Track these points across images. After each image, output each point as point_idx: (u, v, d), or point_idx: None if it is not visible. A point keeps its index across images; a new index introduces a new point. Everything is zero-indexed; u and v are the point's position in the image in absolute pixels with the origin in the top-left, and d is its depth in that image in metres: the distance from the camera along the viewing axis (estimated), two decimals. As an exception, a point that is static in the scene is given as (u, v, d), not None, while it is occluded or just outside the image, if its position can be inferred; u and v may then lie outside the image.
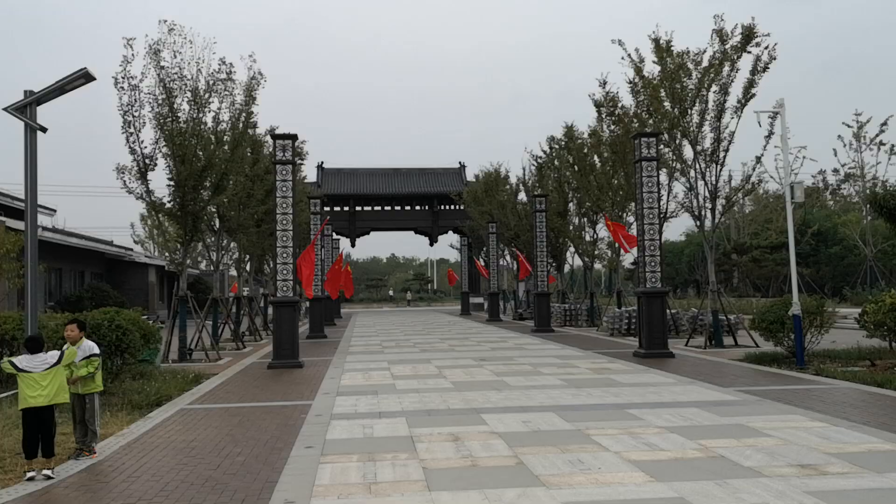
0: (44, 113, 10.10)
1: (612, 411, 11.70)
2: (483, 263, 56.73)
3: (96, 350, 9.50)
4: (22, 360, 8.67)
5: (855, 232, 51.61)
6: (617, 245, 30.38)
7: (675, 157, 23.55)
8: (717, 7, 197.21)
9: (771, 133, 21.61)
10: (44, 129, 9.88)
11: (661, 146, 22.68)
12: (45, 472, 8.45)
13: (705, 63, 22.45)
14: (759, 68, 21.86)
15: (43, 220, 42.90)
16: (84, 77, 9.89)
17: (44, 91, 9.88)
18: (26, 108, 9.85)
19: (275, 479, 8.14)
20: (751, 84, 21.97)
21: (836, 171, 63.30)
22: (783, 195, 20.13)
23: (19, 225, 28.85)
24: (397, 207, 73.31)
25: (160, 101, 20.94)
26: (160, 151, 21.05)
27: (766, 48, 21.82)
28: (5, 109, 9.84)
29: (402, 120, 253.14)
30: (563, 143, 36.83)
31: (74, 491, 7.96)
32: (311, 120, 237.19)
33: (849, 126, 50.86)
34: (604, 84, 28.67)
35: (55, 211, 47.54)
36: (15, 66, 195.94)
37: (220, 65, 22.22)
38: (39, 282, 8.37)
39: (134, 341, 15.24)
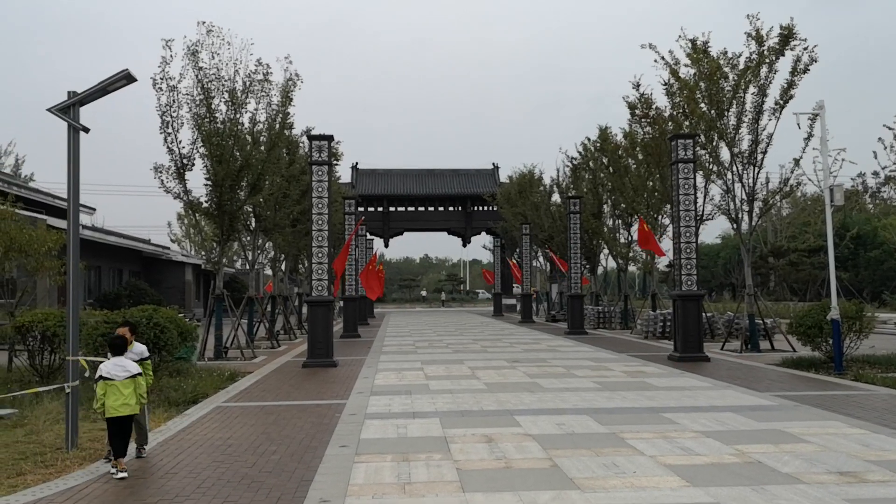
0: (85, 113, 10.26)
1: (646, 415, 11.62)
2: (516, 265, 56.60)
3: (146, 353, 9.45)
4: (106, 366, 8.60)
5: (895, 235, 50.68)
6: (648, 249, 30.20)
7: (711, 160, 23.33)
8: (750, 7, 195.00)
9: (810, 135, 21.31)
10: (86, 130, 10.04)
11: (698, 148, 22.49)
12: (121, 473, 8.40)
13: (742, 65, 22.22)
14: (798, 69, 21.56)
15: (83, 218, 43.64)
16: (125, 78, 10.03)
17: (87, 92, 10.03)
18: (69, 108, 10.01)
19: (310, 477, 8.19)
20: (790, 86, 21.68)
21: (875, 173, 62.29)
22: (821, 198, 19.78)
23: (60, 223, 29.34)
24: (430, 208, 73.42)
25: (198, 102, 21.17)
26: (197, 151, 21.29)
27: (807, 49, 21.53)
28: (49, 110, 10.01)
29: (437, 122, 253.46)
30: (597, 144, 36.66)
31: (114, 486, 8.08)
32: (346, 119, 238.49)
33: (890, 128, 49.99)
34: (637, 86, 28.50)
35: (94, 210, 48.33)
36: (49, 65, 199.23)
37: (256, 66, 22.43)
38: (80, 280, 8.47)
39: (171, 339, 15.43)
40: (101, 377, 8.55)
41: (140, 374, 8.76)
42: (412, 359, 21.35)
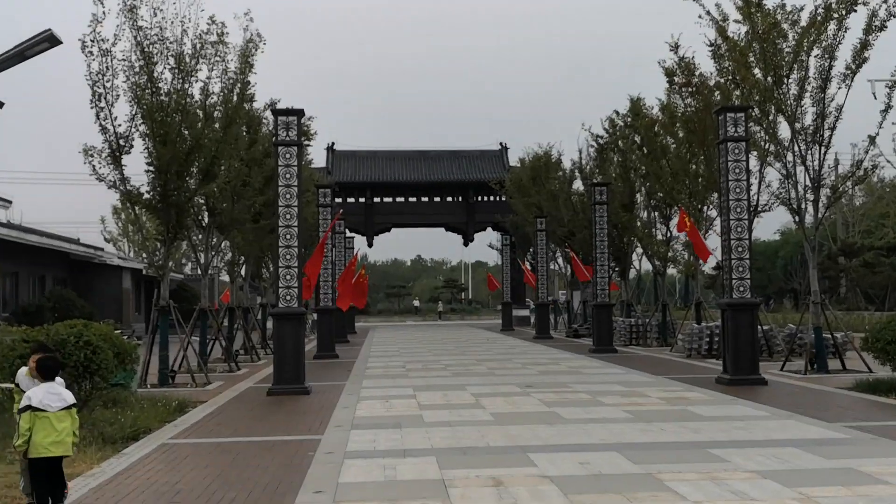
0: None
1: (690, 451, 11.64)
2: (529, 268, 56.68)
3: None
4: (36, 393, 8.38)
5: None
6: (691, 246, 30.21)
7: (768, 137, 23.37)
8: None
9: (889, 107, 21.34)
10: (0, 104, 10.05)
11: (751, 123, 22.52)
12: None
13: (804, 22, 22.23)
14: (874, 27, 21.56)
15: (-4, 213, 43.63)
16: (48, 40, 10.05)
17: (1, 57, 10.04)
18: (-21, 78, 10.01)
19: (277, 530, 8.20)
20: (863, 46, 21.67)
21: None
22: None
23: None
24: (424, 199, 73.53)
25: (137, 69, 21.17)
26: (137, 130, 21.30)
27: (885, 2, 21.52)
28: (-46, 81, 10.01)
29: (432, 94, 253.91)
30: (628, 119, 36.70)
31: (36, 542, 8.07)
32: (321, 91, 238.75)
33: None
34: (676, 47, 28.53)
35: (10, 202, 48.33)
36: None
37: (209, 25, 22.43)
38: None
39: (106, 361, 15.42)
40: (28, 407, 8.35)
41: (76, 404, 8.74)
42: (402, 384, 21.35)
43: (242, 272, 34.13)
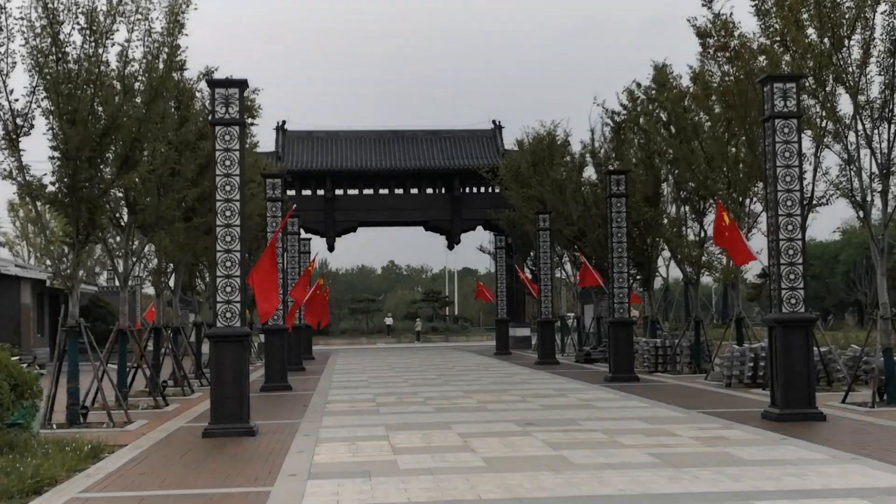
0: None
1: (730, 504, 11.65)
2: (530, 276, 56.68)
3: None
4: None
5: None
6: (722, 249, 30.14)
7: (825, 113, 23.41)
8: None
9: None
10: None
11: (804, 96, 22.58)
12: None
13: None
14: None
15: None
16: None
17: None
18: None
19: None
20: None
21: None
22: None
23: None
24: (398, 190, 73.61)
25: (38, 31, 21.04)
26: (38, 106, 21.15)
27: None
28: None
29: (407, 61, 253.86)
30: (651, 91, 36.75)
31: None
32: (270, 60, 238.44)
33: None
34: (710, 2, 28.59)
35: None
36: None
37: (129, -27, 22.33)
38: None
39: (1, 395, 15.31)
40: None
41: None
42: (372, 422, 21.27)
43: (171, 283, 33.95)
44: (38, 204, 22.46)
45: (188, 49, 25.49)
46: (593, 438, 17.79)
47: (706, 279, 42.92)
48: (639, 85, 38.26)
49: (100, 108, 21.79)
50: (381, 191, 73.45)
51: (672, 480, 13.31)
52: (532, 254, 58.33)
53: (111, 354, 25.10)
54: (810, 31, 22.91)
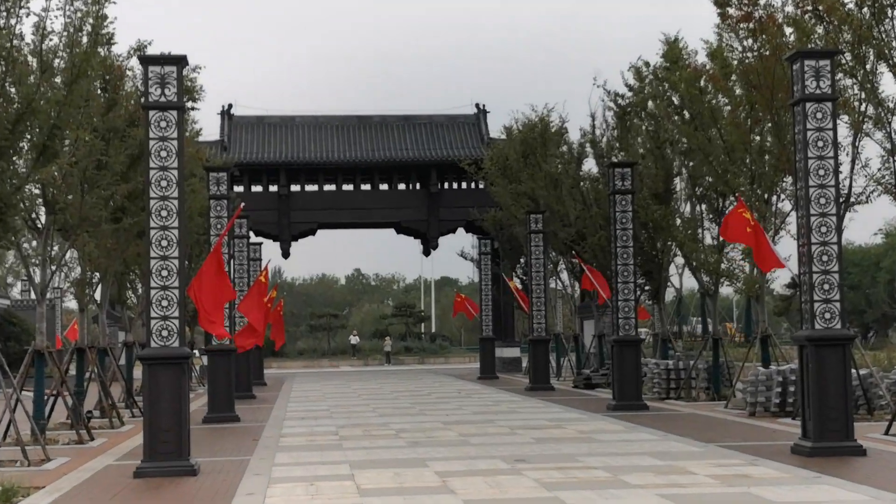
0: None
1: (754, 554, 11.65)
2: (520, 286, 56.64)
3: None
4: None
5: None
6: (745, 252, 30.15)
7: (864, 95, 23.49)
8: None
9: None
10: None
11: (840, 75, 22.64)
12: None
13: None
14: None
15: None
16: None
17: None
18: None
19: None
20: None
21: None
22: None
23: None
24: (365, 186, 73.46)
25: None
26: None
27: None
28: None
29: (377, 35, 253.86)
30: (661, 70, 36.78)
31: None
32: (214, 34, 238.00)
33: None
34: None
35: None
36: None
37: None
38: None
39: None
40: None
41: None
42: (334, 458, 21.24)
43: (97, 296, 33.80)
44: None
45: (117, 20, 25.43)
46: (594, 477, 17.76)
47: (726, 290, 42.93)
48: (646, 64, 38.33)
49: (12, 90, 21.71)
50: (345, 187, 73.20)
51: (687, 526, 13.33)
52: (522, 260, 58.26)
53: (26, 380, 24.95)
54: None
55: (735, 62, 30.34)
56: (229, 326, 33.44)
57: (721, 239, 35.22)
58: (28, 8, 22.00)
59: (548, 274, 49.80)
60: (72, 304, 41.68)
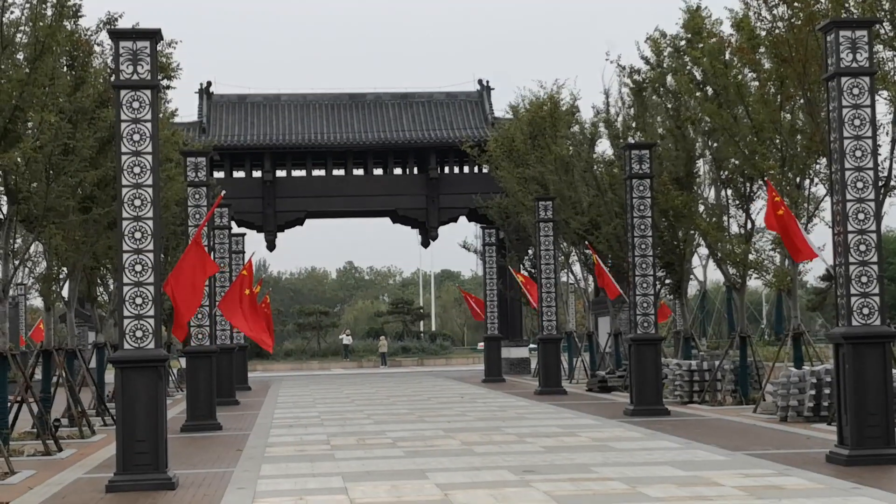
0: None
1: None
2: (528, 279, 56.59)
3: None
4: None
5: None
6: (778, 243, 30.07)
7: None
8: None
9: None
10: None
11: (879, 46, 22.61)
12: None
13: None
14: None
15: None
16: None
17: None
18: None
19: None
20: None
21: None
22: None
23: None
24: (358, 171, 73.45)
25: None
26: None
27: None
28: None
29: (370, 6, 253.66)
30: (682, 43, 36.72)
31: None
32: (192, 5, 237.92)
33: None
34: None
35: None
36: None
37: None
38: None
39: None
40: None
41: None
42: (326, 470, 21.24)
43: (65, 293, 33.79)
44: None
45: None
46: (610, 489, 17.74)
47: (754, 283, 42.83)
48: (663, 35, 38.19)
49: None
50: (336, 172, 73.18)
51: (713, 543, 13.33)
52: (531, 252, 58.29)
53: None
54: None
55: (764, 33, 30.30)
56: (206, 328, 33.43)
57: (749, 227, 35.25)
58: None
59: (558, 266, 49.84)
60: (37, 301, 41.70)
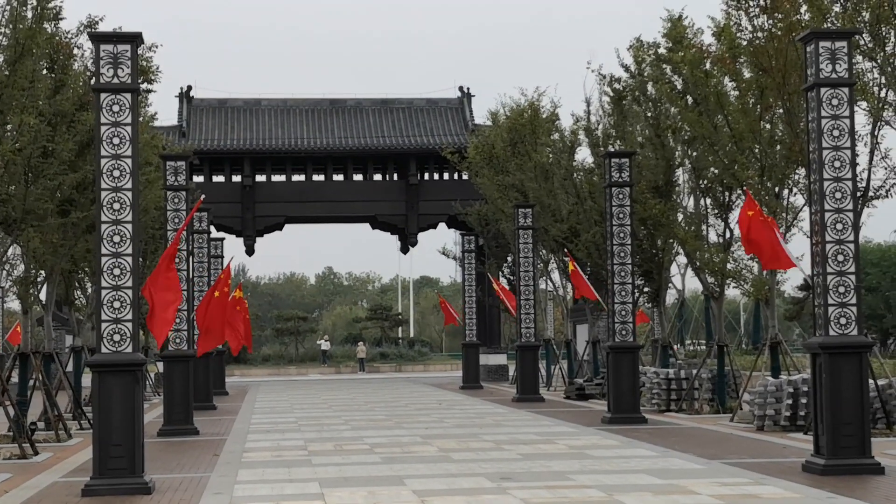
0: None
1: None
2: (507, 287, 56.63)
3: None
4: None
5: None
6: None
7: (884, 80, 23.56)
8: None
9: None
10: None
11: (858, 57, 22.70)
12: None
13: None
14: None
15: None
16: None
17: None
18: None
19: None
20: None
21: None
22: None
23: None
24: (338, 177, 73.41)
25: None
26: None
27: None
28: None
29: (352, 15, 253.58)
30: (662, 50, 36.78)
31: None
32: (172, 9, 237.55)
33: None
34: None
35: None
36: None
37: None
38: None
39: None
40: None
41: None
42: (303, 476, 21.25)
43: (42, 296, 33.73)
44: None
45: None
46: (587, 497, 17.79)
47: (733, 292, 43.02)
48: (643, 45, 38.16)
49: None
50: (316, 177, 73.05)
51: (688, 551, 13.39)
52: (510, 259, 58.33)
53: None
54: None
55: (744, 42, 30.38)
56: (184, 333, 33.39)
57: (728, 236, 35.31)
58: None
59: (537, 274, 49.80)
60: (14, 304, 41.58)
